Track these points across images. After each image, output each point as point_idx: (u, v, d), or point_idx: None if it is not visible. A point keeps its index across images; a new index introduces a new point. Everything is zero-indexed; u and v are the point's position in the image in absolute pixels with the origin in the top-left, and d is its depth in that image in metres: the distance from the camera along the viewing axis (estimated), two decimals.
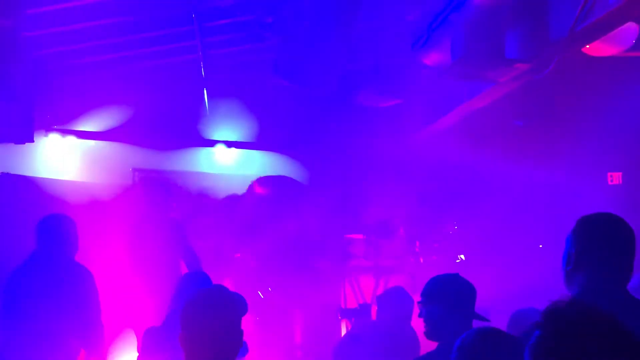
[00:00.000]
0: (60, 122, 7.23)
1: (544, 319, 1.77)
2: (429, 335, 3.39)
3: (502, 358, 2.49)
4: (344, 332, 6.50)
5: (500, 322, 3.81)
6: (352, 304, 6.90)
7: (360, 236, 7.52)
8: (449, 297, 3.34)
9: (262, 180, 7.05)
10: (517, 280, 6.84)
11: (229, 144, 8.11)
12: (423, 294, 3.40)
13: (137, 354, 4.99)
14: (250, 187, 7.15)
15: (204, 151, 8.05)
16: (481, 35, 5.44)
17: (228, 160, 8.17)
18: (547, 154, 7.32)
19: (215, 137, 8.06)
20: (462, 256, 7.59)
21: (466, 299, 3.37)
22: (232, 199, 7.25)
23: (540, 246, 7.64)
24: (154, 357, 4.77)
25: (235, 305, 2.98)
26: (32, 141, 5.32)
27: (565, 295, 1.84)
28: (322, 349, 6.28)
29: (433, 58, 6.32)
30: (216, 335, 2.85)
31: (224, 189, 7.60)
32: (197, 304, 2.92)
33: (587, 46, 5.55)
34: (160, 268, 6.13)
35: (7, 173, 6.24)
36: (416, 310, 4.09)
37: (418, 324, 5.66)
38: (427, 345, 3.63)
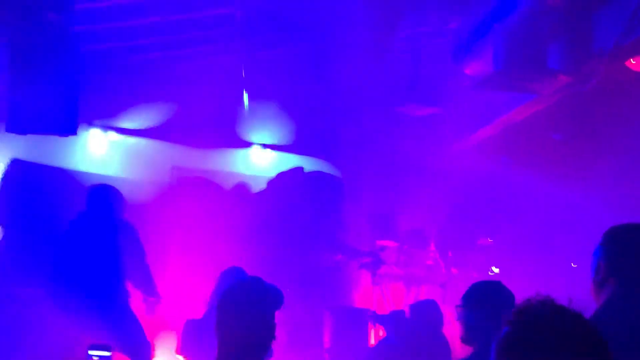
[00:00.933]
0: (102, 118, 7.35)
1: (513, 315, 1.78)
2: (465, 339, 3.38)
3: None
4: (372, 337, 6.48)
5: None
6: (381, 310, 6.88)
7: (393, 243, 7.50)
8: (486, 303, 3.32)
9: (293, 174, 7.06)
10: (551, 295, 6.74)
11: (265, 146, 8.18)
12: (463, 298, 3.41)
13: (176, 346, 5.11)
14: (281, 181, 7.16)
15: (241, 152, 8.12)
16: (524, 46, 5.42)
17: (264, 162, 8.22)
18: (585, 170, 7.23)
19: (253, 139, 8.13)
20: (496, 269, 7.53)
21: (504, 307, 3.33)
22: (263, 195, 7.29)
23: (574, 265, 7.53)
24: (193, 349, 4.85)
25: (270, 297, 2.98)
26: (75, 134, 5.41)
27: (539, 294, 1.84)
28: (350, 354, 6.26)
29: (474, 68, 6.29)
30: (248, 326, 2.85)
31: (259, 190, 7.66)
32: (233, 294, 2.94)
33: (632, 61, 5.49)
34: (202, 263, 6.26)
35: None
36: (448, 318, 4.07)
37: (449, 331, 5.65)
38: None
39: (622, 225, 2.75)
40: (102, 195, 5.40)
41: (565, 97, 5.94)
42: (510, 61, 5.53)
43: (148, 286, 5.45)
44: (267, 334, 2.92)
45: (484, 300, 3.33)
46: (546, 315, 1.75)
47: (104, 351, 3.66)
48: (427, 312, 5.42)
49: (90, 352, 3.68)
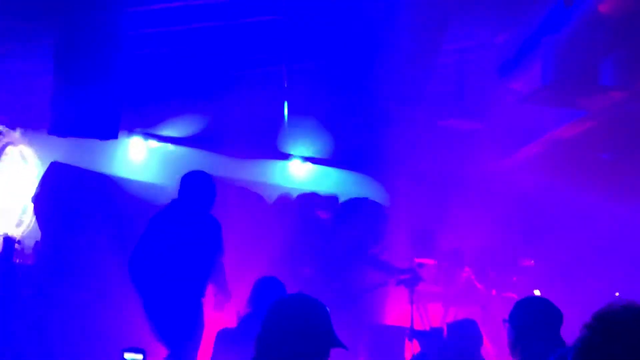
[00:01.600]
0: (143, 125, 7.36)
1: (593, 319, 1.66)
2: (512, 355, 3.34)
3: None
4: (408, 355, 6.30)
5: None
6: (418, 328, 6.69)
7: (432, 261, 7.32)
8: (522, 319, 3.31)
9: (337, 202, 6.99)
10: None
11: (305, 159, 8.08)
12: (510, 314, 3.39)
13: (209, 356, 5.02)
14: (324, 204, 7.09)
15: (280, 164, 8.05)
16: (574, 60, 5.26)
17: (303, 175, 8.13)
18: (634, 191, 6.98)
19: (292, 151, 8.05)
20: (538, 292, 7.29)
21: (543, 322, 3.27)
22: (304, 213, 7.19)
23: (617, 294, 7.25)
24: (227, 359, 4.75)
25: (329, 329, 2.67)
26: (116, 138, 5.40)
27: (621, 298, 1.69)
28: None
29: (521, 82, 6.14)
30: (298, 348, 2.57)
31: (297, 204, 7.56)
32: (288, 307, 2.67)
33: None
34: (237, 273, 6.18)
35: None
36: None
37: (488, 351, 5.46)
38: None
39: None
40: (195, 185, 5.29)
41: (617, 114, 5.74)
42: (560, 75, 5.37)
43: (222, 283, 5.40)
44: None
45: (517, 317, 3.33)
46: (630, 320, 1.60)
47: (138, 354, 3.61)
48: (466, 331, 5.25)
49: (126, 356, 3.62)
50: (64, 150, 6.47)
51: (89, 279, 5.73)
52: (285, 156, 8.05)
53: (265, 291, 4.82)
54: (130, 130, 7.25)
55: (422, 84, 6.77)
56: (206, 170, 7.50)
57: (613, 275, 7.13)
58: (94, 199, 6.37)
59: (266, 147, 7.91)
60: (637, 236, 6.97)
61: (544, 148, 7.05)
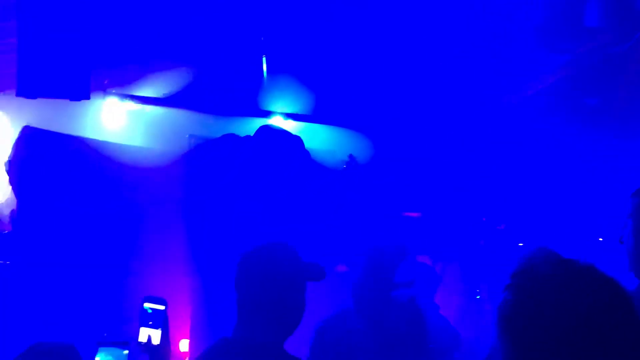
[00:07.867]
0: (119, 86, 7.14)
1: (511, 278, 1.48)
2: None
3: None
4: None
5: None
6: None
7: (417, 214, 7.21)
8: None
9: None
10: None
11: (287, 115, 7.89)
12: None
13: None
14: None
15: (261, 121, 7.83)
16: (559, 1, 5.12)
17: None
18: (623, 136, 6.87)
19: (273, 108, 7.84)
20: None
21: None
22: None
23: (601, 239, 7.21)
24: None
25: (301, 267, 2.65)
26: (88, 98, 5.23)
27: (541, 249, 1.50)
28: None
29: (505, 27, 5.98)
30: (270, 299, 2.56)
31: None
32: (254, 259, 2.65)
33: None
34: None
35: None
36: None
37: None
38: None
39: None
40: None
41: (605, 56, 5.61)
42: (545, 18, 5.24)
43: None
44: (294, 312, 2.66)
45: None
46: (551, 275, 1.41)
47: (160, 305, 3.39)
48: None
49: (146, 305, 3.41)
50: (40, 113, 6.24)
51: (68, 247, 5.60)
52: (266, 113, 7.84)
53: None
54: (106, 91, 7.04)
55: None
56: (186, 130, 7.38)
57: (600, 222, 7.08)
58: (71, 163, 6.21)
59: (247, 104, 7.70)
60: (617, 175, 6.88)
61: (530, 94, 6.92)
